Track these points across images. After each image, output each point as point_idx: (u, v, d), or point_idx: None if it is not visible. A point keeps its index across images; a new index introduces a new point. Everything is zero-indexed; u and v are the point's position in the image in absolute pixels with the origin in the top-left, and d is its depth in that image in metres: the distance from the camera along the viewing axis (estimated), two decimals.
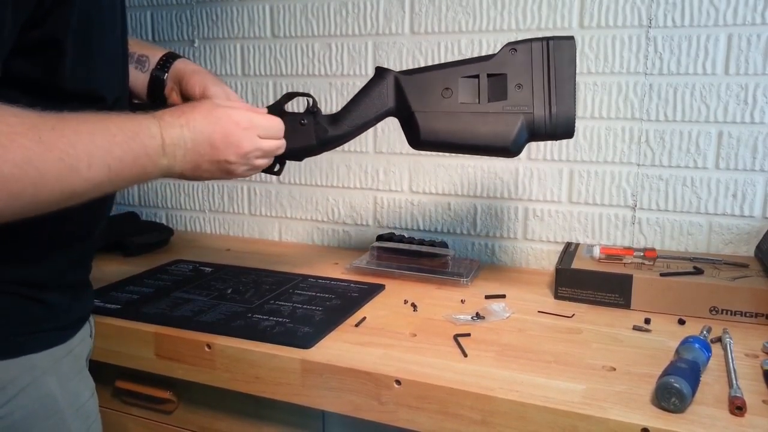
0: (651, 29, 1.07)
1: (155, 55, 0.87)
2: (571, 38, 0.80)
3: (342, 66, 1.30)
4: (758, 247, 1.04)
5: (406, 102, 0.80)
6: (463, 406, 0.70)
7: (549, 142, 1.15)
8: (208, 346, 0.83)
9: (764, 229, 1.04)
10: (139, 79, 0.86)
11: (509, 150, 0.78)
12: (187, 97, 0.84)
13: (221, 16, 1.39)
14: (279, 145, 0.78)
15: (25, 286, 0.62)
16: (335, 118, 0.83)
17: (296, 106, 1.25)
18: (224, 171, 0.72)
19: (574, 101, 0.78)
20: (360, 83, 1.28)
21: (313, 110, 0.83)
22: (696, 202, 1.09)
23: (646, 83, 1.08)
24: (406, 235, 1.18)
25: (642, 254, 1.01)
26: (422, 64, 1.22)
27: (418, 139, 0.81)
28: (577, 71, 1.10)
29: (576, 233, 1.17)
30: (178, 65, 0.87)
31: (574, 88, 0.78)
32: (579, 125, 1.13)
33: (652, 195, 1.11)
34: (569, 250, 1.08)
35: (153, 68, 0.86)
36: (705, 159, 1.07)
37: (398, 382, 0.73)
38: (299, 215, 1.40)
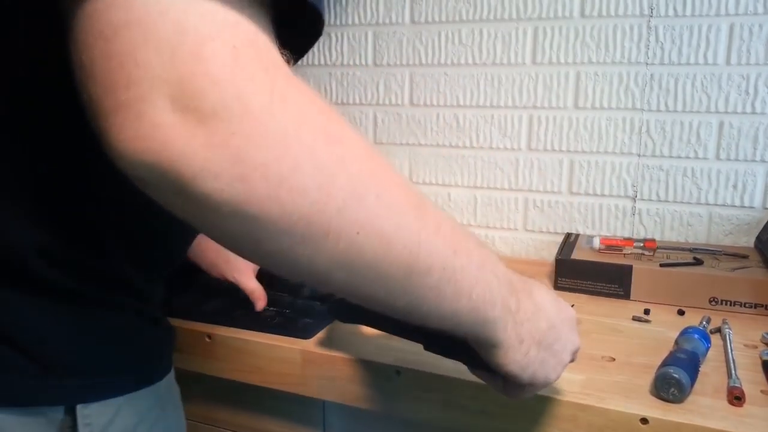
0: (652, 19, 1.06)
1: None
2: None
3: (342, 56, 1.29)
4: (758, 238, 1.03)
5: None
6: (463, 396, 0.70)
7: (549, 133, 1.15)
8: (209, 336, 0.83)
9: (764, 219, 1.04)
10: None
11: None
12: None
13: None
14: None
15: (161, 310, 0.62)
16: None
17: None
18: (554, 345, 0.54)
19: None
20: (360, 73, 1.29)
21: None
22: (696, 192, 1.08)
23: (647, 73, 1.08)
24: None
25: (642, 245, 1.01)
26: (423, 54, 1.22)
27: None
28: (578, 60, 1.11)
29: (576, 224, 1.17)
30: None
31: None
32: (580, 115, 1.13)
33: (653, 186, 1.11)
34: (569, 241, 1.08)
35: None
36: (706, 149, 1.07)
37: (398, 372, 0.73)
38: None
